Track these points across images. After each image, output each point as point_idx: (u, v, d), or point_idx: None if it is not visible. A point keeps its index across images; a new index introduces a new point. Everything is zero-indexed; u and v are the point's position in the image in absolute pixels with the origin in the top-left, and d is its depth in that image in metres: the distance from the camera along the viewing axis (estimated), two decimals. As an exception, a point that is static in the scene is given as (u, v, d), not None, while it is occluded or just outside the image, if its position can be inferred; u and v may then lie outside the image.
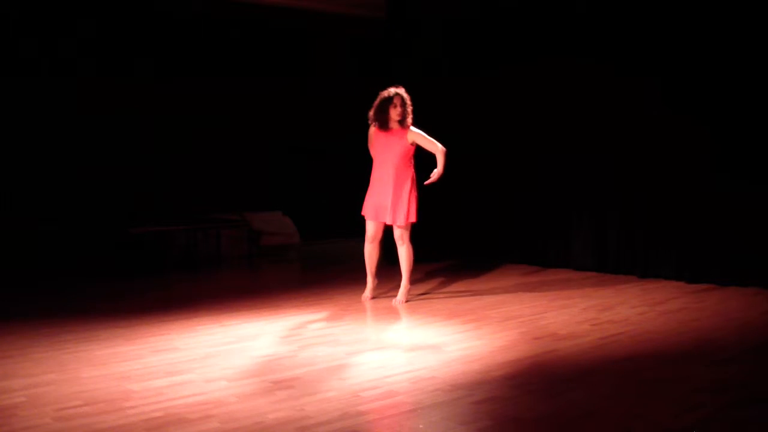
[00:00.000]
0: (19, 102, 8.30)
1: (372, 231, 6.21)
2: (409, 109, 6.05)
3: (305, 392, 3.90)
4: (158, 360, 4.54)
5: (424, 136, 6.06)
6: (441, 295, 6.58)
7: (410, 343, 4.95)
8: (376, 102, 6.07)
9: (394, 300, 6.27)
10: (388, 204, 6.04)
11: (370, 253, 6.25)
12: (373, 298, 6.40)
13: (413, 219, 6.11)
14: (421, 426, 3.44)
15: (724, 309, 5.87)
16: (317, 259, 9.42)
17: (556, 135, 7.94)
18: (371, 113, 6.11)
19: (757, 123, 6.55)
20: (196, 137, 9.56)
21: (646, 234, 7.30)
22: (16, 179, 8.28)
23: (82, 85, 8.69)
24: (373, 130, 6.18)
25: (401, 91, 6.05)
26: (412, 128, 6.07)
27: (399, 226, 6.09)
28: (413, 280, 7.31)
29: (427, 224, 8.74)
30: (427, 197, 8.75)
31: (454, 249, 8.79)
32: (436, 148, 6.02)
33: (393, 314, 5.87)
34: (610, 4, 7.41)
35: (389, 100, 5.99)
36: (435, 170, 6.00)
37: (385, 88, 6.16)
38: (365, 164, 6.29)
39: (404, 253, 6.16)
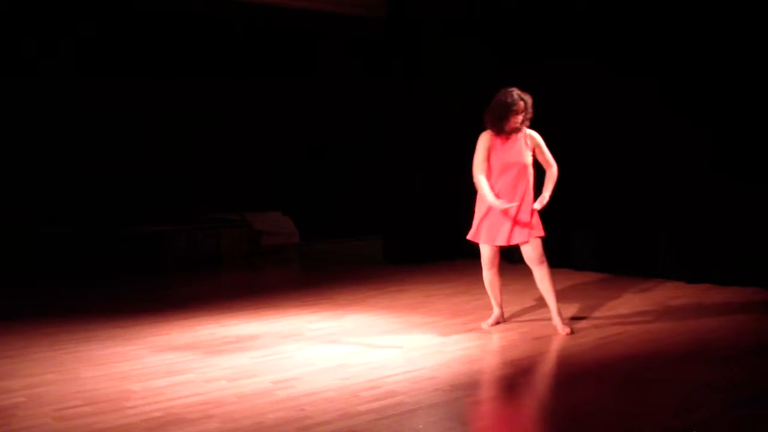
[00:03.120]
0: (19, 102, 8.30)
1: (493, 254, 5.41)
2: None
3: (305, 392, 3.90)
4: (158, 360, 4.54)
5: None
6: (441, 295, 6.58)
7: (410, 343, 4.95)
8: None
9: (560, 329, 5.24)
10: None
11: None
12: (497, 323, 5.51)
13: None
14: (421, 426, 3.43)
15: (724, 309, 5.87)
16: (317, 259, 9.42)
17: (556, 135, 7.90)
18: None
19: (757, 123, 6.55)
20: (196, 137, 9.56)
21: (646, 234, 7.30)
22: (16, 179, 8.28)
23: (82, 85, 8.69)
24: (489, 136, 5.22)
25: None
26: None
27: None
28: (411, 281, 7.32)
29: (428, 225, 8.77)
30: (426, 198, 8.78)
31: (455, 249, 8.79)
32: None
33: (393, 315, 5.87)
34: (610, 4, 7.41)
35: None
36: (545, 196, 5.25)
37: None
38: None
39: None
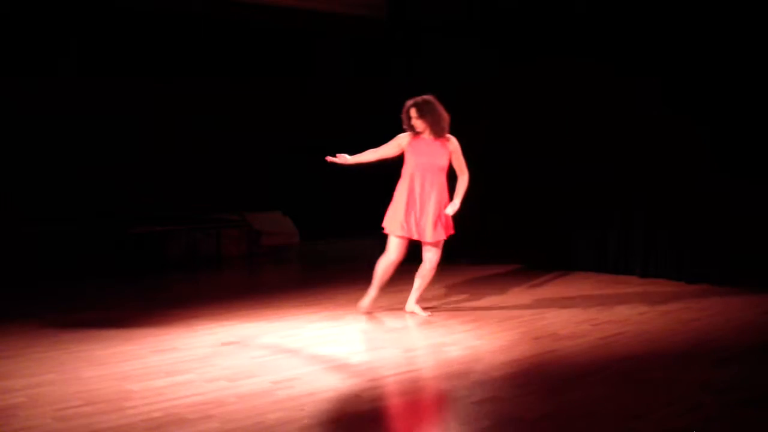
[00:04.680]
0: (19, 102, 8.30)
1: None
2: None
3: (305, 392, 3.90)
4: (158, 360, 4.54)
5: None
6: (441, 296, 6.58)
7: (410, 343, 4.95)
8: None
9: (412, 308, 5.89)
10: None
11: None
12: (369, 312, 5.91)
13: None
14: (421, 426, 3.43)
15: (724, 309, 5.87)
16: (317, 259, 9.42)
17: (556, 135, 7.93)
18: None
19: (757, 123, 6.55)
20: (197, 137, 9.55)
21: (646, 234, 7.30)
22: (16, 179, 8.28)
23: (82, 85, 8.69)
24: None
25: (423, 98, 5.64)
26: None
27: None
28: (411, 281, 7.32)
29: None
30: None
31: (454, 249, 8.77)
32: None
33: (393, 315, 5.87)
34: (610, 4, 7.41)
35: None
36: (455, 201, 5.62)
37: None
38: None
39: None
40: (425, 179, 5.57)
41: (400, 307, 6.10)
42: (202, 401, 3.76)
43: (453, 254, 8.71)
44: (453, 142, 5.67)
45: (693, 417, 3.49)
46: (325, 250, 9.92)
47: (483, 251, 8.68)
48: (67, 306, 6.26)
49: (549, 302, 6.23)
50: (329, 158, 5.73)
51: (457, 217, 9.00)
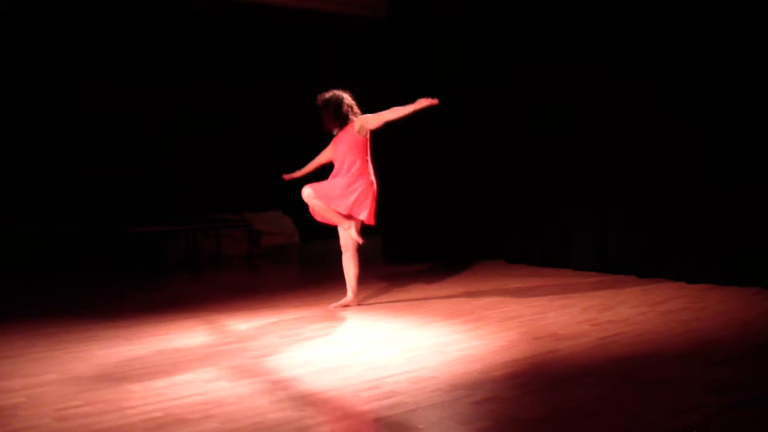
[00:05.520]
0: (19, 102, 8.30)
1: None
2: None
3: (305, 392, 3.90)
4: (158, 360, 4.54)
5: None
6: (441, 295, 6.58)
7: (410, 343, 4.95)
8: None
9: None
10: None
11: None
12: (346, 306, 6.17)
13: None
14: (421, 426, 3.43)
15: (724, 309, 5.86)
16: (317, 259, 9.42)
17: (557, 135, 7.94)
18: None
19: (757, 123, 6.55)
20: (196, 137, 9.56)
21: (646, 234, 7.30)
22: (16, 179, 8.28)
23: (82, 85, 8.70)
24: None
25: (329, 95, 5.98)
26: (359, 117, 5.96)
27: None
28: (411, 281, 7.31)
29: (427, 223, 8.77)
30: (425, 194, 8.78)
31: (454, 248, 8.79)
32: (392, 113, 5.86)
33: (393, 315, 5.87)
34: (610, 4, 7.41)
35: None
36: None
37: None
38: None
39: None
40: (338, 168, 5.97)
41: (399, 307, 6.11)
42: (202, 401, 3.76)
43: (452, 253, 8.75)
44: (356, 122, 5.91)
45: (693, 417, 3.49)
46: (325, 250, 9.91)
47: (482, 250, 8.68)
48: (67, 306, 6.26)
49: (549, 302, 6.23)
50: (286, 176, 6.35)
51: (453, 214, 9.02)
